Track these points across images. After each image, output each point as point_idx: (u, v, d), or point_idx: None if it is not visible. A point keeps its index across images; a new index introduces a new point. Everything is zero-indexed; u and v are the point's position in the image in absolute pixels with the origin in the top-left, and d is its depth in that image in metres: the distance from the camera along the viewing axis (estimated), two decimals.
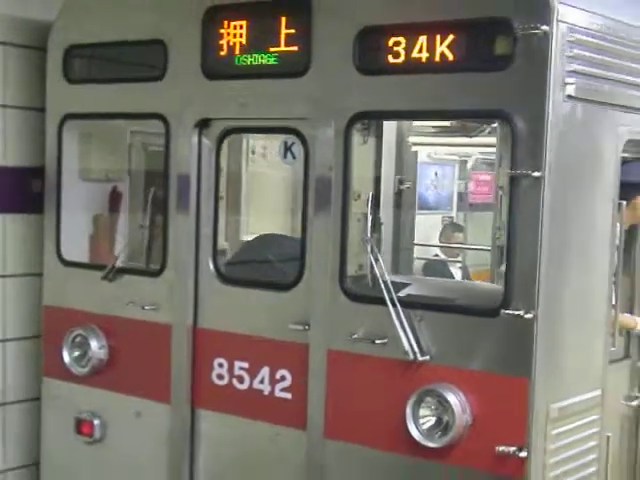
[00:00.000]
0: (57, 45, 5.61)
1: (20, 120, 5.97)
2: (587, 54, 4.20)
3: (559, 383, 4.27)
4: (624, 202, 4.64)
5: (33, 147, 5.97)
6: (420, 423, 4.32)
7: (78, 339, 5.56)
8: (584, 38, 4.17)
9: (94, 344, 5.50)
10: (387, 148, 5.26)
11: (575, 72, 4.13)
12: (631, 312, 5.18)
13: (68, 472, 5.75)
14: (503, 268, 4.47)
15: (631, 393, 5.02)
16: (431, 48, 4.32)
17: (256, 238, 5.73)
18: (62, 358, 5.59)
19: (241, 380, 5.03)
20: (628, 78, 4.52)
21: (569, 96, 4.11)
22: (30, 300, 6.00)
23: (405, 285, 4.65)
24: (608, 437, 4.67)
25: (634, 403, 5.01)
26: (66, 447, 5.71)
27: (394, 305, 4.38)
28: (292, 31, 4.76)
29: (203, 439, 5.21)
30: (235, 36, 4.95)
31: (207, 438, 5.20)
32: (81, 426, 5.62)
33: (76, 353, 5.57)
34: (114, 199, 6.03)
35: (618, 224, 4.63)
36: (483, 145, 6.45)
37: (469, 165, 9.10)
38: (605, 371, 4.62)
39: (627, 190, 4.77)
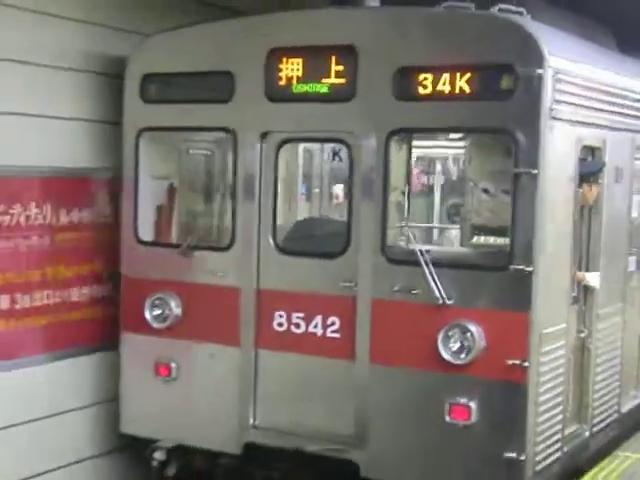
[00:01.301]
0: (135, 73, 6.77)
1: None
2: (565, 89, 5.73)
3: (546, 317, 5.80)
4: (580, 189, 6.21)
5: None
6: (449, 347, 5.78)
7: (158, 301, 6.74)
8: (564, 78, 5.71)
9: (172, 304, 6.69)
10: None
11: (557, 101, 5.65)
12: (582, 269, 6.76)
13: (145, 405, 6.92)
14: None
15: (580, 327, 6.61)
16: (452, 83, 5.77)
17: (303, 220, 7.01)
18: (143, 316, 6.77)
19: (298, 326, 6.35)
20: (586, 104, 6.10)
21: (553, 117, 5.64)
22: None
23: (427, 251, 6.07)
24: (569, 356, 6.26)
25: (582, 335, 6.60)
26: (144, 386, 6.89)
27: (427, 265, 5.81)
28: (340, 68, 6.10)
29: (265, 372, 6.51)
30: (292, 70, 6.26)
31: (268, 371, 6.50)
32: (159, 368, 6.81)
33: (156, 312, 6.75)
34: (170, 193, 7.24)
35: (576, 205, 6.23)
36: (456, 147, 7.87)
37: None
38: (568, 310, 6.19)
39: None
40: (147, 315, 6.78)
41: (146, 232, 6.96)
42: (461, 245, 7.28)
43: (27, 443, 6.80)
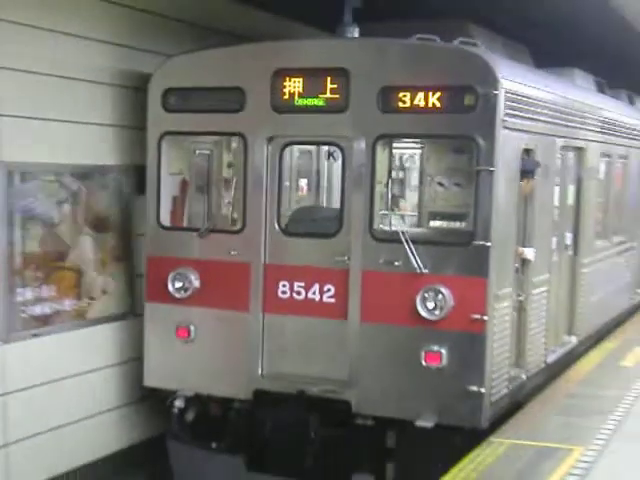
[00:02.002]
0: (157, 87, 8.00)
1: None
2: (511, 105, 7.22)
3: (498, 282, 7.30)
4: (521, 182, 7.73)
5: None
6: (425, 306, 7.20)
7: (179, 275, 7.97)
8: (511, 96, 7.20)
9: (192, 277, 7.94)
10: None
11: (507, 114, 7.14)
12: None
13: (166, 362, 8.15)
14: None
15: (519, 292, 8.12)
16: (426, 99, 7.17)
17: (301, 208, 8.34)
18: (167, 288, 7.98)
19: (299, 294, 7.68)
20: (525, 115, 7.62)
21: (504, 127, 7.12)
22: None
23: (404, 232, 7.47)
24: (512, 314, 7.78)
25: (520, 298, 8.11)
26: (165, 346, 8.12)
27: (407, 242, 7.21)
28: (335, 86, 7.46)
29: (270, 332, 7.81)
30: (294, 87, 7.57)
31: (273, 331, 7.81)
32: (179, 331, 8.05)
33: (178, 285, 7.98)
34: (183, 186, 8.47)
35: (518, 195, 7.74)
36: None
37: None
38: (512, 278, 7.70)
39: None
40: (170, 287, 8.01)
41: (166, 219, 8.23)
42: (419, 227, 8.71)
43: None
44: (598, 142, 10.57)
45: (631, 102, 14.59)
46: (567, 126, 9.19)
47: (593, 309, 10.59)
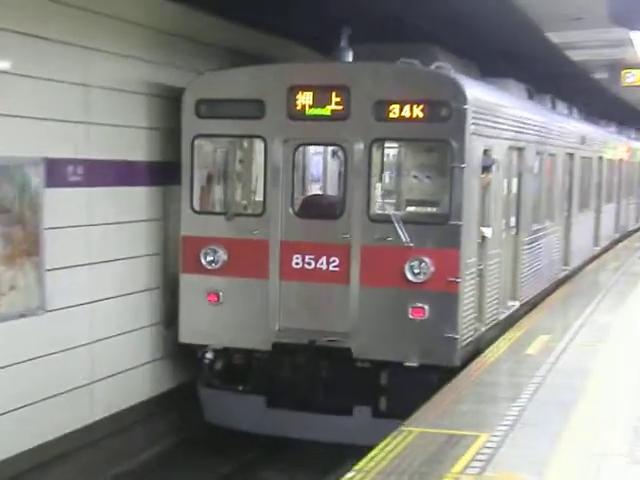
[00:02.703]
0: (191, 98, 9.67)
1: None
2: (475, 116, 9.16)
3: (466, 253, 9.25)
4: (482, 175, 9.66)
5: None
6: (412, 272, 9.06)
7: (209, 251, 9.67)
8: (475, 109, 9.14)
9: (220, 252, 9.65)
10: None
11: (472, 123, 9.07)
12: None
13: (198, 322, 9.84)
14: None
15: (479, 262, 10.03)
16: (411, 111, 9.04)
17: (310, 195, 10.14)
18: (199, 261, 9.67)
19: (309, 264, 9.46)
20: (484, 123, 9.56)
21: (471, 133, 9.04)
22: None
23: (395, 214, 9.32)
24: (476, 279, 9.72)
25: (480, 267, 10.04)
26: (197, 309, 9.82)
27: (397, 222, 9.06)
28: (338, 99, 9.26)
29: (286, 295, 9.57)
30: (305, 100, 9.35)
31: (288, 294, 9.57)
32: (210, 296, 9.75)
33: (209, 258, 9.68)
34: (208, 177, 10.18)
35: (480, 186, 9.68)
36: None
37: None
38: (476, 251, 9.63)
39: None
40: (202, 260, 9.71)
41: (197, 205, 9.92)
42: (397, 211, 10.57)
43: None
44: (533, 143, 12.64)
45: (554, 106, 16.80)
46: (512, 131, 11.20)
47: (530, 279, 12.67)
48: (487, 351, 9.80)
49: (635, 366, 9.26)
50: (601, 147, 19.91)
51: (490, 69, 12.69)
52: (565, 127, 15.57)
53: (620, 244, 22.87)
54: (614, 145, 22.64)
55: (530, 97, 14.49)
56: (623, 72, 17.67)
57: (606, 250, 20.77)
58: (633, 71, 17.55)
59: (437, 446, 6.66)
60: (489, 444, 6.71)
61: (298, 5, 10.41)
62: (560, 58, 16.23)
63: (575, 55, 16.29)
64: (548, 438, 6.85)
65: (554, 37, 14.34)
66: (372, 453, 6.57)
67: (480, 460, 6.36)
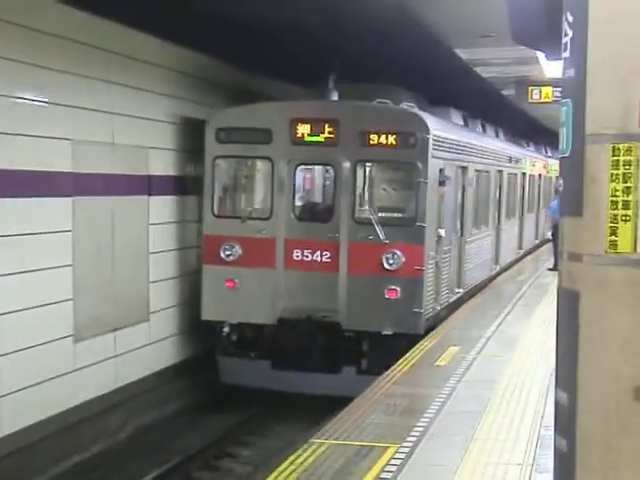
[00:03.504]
0: (212, 127, 12.14)
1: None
2: (435, 143, 11.84)
3: (428, 247, 11.93)
4: (439, 188, 12.33)
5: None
6: (387, 261, 11.64)
7: (227, 247, 12.10)
8: (435, 138, 11.85)
9: (236, 248, 12.08)
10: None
11: (433, 149, 11.77)
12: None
13: (217, 303, 12.24)
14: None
15: (435, 255, 12.65)
16: (387, 139, 11.64)
17: (307, 202, 12.74)
18: (219, 255, 12.09)
19: (307, 257, 11.98)
20: (440, 149, 12.27)
21: (432, 156, 11.69)
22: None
23: (374, 218, 11.89)
24: (434, 269, 12.36)
25: (436, 259, 12.67)
26: (217, 293, 12.23)
27: (377, 224, 11.64)
28: (330, 129, 11.82)
29: (288, 280, 12.05)
30: (304, 129, 11.88)
31: (291, 280, 12.05)
32: (227, 283, 12.15)
33: (227, 252, 12.10)
34: (225, 189, 12.62)
35: (438, 196, 12.33)
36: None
37: None
38: (434, 246, 12.27)
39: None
40: (221, 254, 12.14)
41: (217, 210, 12.35)
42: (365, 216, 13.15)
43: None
44: (473, 162, 15.39)
45: (484, 129, 19.67)
46: (458, 153, 13.92)
47: (471, 272, 15.41)
48: (398, 362, 10.05)
49: (539, 377, 9.39)
50: (524, 164, 22.92)
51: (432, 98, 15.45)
52: (495, 148, 18.43)
53: (538, 249, 25.93)
54: (534, 162, 25.72)
55: (466, 122, 17.30)
56: (530, 89, 17.75)
57: (528, 253, 23.78)
58: (538, 88, 17.63)
59: (347, 458, 6.73)
60: (398, 455, 6.79)
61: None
62: (473, 75, 17.57)
63: (485, 72, 17.02)
64: (456, 448, 6.96)
65: (462, 54, 14.84)
66: (281, 467, 6.61)
67: (389, 471, 6.44)
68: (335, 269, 11.93)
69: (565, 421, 2.99)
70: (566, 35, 2.97)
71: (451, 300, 13.79)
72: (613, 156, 2.83)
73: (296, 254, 12.06)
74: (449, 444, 7.09)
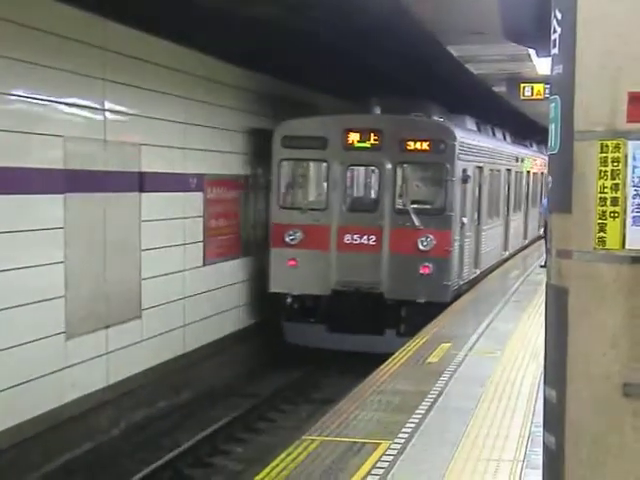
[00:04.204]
0: (278, 135, 14.81)
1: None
2: (460, 148, 14.51)
3: (454, 233, 14.56)
4: (462, 185, 14.98)
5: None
6: (422, 244, 14.30)
7: (291, 232, 14.74)
8: (460, 144, 14.52)
9: (298, 234, 14.71)
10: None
11: (459, 152, 14.41)
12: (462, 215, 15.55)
13: (282, 277, 14.88)
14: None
15: (460, 240, 15.30)
16: (421, 145, 14.31)
17: (355, 196, 15.45)
18: (283, 239, 14.72)
19: (355, 240, 14.62)
20: (464, 152, 14.91)
21: (458, 159, 14.39)
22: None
23: (411, 208, 14.53)
24: (459, 250, 15.01)
25: (460, 243, 15.30)
26: (281, 270, 14.85)
27: (413, 213, 14.28)
28: (375, 137, 14.49)
29: (340, 260, 14.68)
30: (355, 137, 14.54)
31: (342, 259, 14.68)
32: (290, 262, 14.78)
33: (291, 237, 14.74)
34: (288, 185, 15.26)
35: (461, 191, 14.99)
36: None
37: None
38: (459, 232, 14.93)
39: None
40: (286, 239, 14.78)
41: (282, 203, 14.99)
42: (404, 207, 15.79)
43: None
44: (487, 163, 18.03)
45: (493, 133, 22.31)
46: (476, 155, 16.55)
47: (486, 255, 18.07)
48: (389, 360, 10.09)
49: (530, 374, 9.36)
50: (528, 163, 25.55)
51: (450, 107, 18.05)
52: (503, 150, 21.07)
53: (541, 239, 28.48)
54: (536, 161, 28.35)
55: (479, 128, 19.92)
56: (521, 86, 17.73)
57: (532, 242, 26.42)
58: (530, 85, 17.61)
59: (338, 455, 6.72)
60: (390, 452, 6.77)
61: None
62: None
63: (476, 68, 16.93)
64: (448, 445, 6.94)
65: (454, 50, 14.87)
66: (274, 463, 6.61)
67: (381, 468, 6.44)
68: (379, 250, 14.57)
69: (554, 418, 2.97)
70: (555, 32, 2.94)
71: (470, 277, 16.45)
72: (601, 153, 2.78)
73: (347, 238, 14.70)
74: (440, 441, 7.10)
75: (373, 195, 15.52)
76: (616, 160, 2.77)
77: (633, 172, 2.76)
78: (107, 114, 10.95)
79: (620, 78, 2.73)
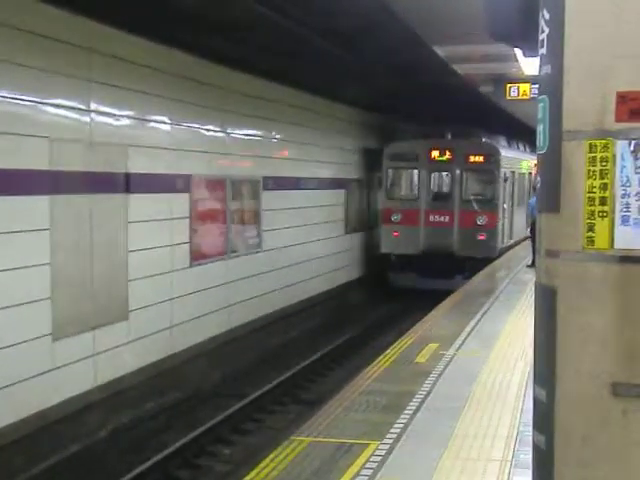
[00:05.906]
0: (387, 152, 22.89)
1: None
2: (503, 160, 22.60)
3: (499, 213, 22.72)
4: (504, 184, 22.89)
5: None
6: (480, 220, 22.25)
7: (395, 214, 22.62)
8: (503, 158, 22.66)
9: (399, 215, 22.63)
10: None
11: (503, 164, 22.43)
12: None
13: (389, 243, 22.80)
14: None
15: (502, 218, 23.18)
16: (478, 158, 22.28)
17: (436, 192, 23.47)
18: (390, 219, 22.66)
19: (436, 218, 22.54)
20: (505, 162, 23.00)
21: (502, 167, 22.49)
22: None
23: (472, 198, 22.44)
24: (501, 225, 22.96)
25: (501, 221, 23.16)
26: (389, 238, 22.81)
27: (474, 202, 22.18)
28: (449, 153, 22.60)
29: (426, 232, 22.61)
30: (436, 153, 22.52)
31: (428, 231, 22.63)
32: (394, 233, 22.71)
33: (395, 217, 22.67)
34: (392, 184, 23.16)
35: (503, 188, 22.93)
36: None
37: None
38: (501, 213, 22.85)
39: None
40: (392, 218, 22.69)
41: (388, 196, 22.88)
42: (467, 198, 23.64)
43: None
44: (516, 169, 25.92)
45: (518, 146, 30.28)
46: (510, 164, 24.42)
47: (516, 230, 26.06)
48: (377, 359, 10.04)
49: (518, 373, 9.24)
50: None
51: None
52: (524, 159, 29.00)
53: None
54: None
55: (509, 143, 27.85)
56: (507, 86, 17.85)
57: None
58: (516, 85, 17.68)
59: (327, 455, 6.62)
60: (378, 452, 6.68)
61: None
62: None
63: (461, 69, 16.81)
64: (436, 445, 6.84)
65: (440, 51, 14.61)
66: (263, 463, 6.54)
67: (369, 468, 6.36)
68: (452, 225, 22.47)
69: (543, 417, 2.88)
70: (542, 32, 2.84)
71: (507, 244, 24.35)
72: (590, 152, 2.68)
73: (431, 217, 22.60)
74: (429, 441, 7.00)
75: (447, 190, 23.50)
76: (605, 160, 2.67)
77: (621, 172, 2.66)
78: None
79: (609, 78, 2.63)
